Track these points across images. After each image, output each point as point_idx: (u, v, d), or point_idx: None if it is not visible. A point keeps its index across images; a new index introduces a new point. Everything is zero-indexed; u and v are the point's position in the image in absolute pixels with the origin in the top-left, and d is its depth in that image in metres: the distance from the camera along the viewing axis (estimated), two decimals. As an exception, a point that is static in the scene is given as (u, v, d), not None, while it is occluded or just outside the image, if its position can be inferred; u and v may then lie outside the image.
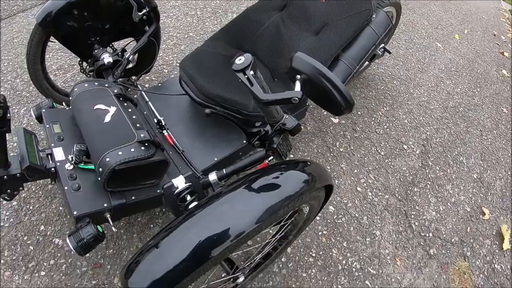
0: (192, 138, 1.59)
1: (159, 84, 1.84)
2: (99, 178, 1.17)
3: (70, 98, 1.38)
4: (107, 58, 1.61)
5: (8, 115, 1.02)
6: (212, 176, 1.23)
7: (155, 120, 1.59)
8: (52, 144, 1.28)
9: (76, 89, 1.38)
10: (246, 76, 0.92)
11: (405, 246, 1.81)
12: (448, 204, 2.01)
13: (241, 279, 1.32)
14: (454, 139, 2.35)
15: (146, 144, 1.22)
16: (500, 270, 1.83)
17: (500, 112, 2.72)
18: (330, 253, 1.71)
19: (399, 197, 1.97)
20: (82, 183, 1.21)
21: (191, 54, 1.65)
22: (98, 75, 1.66)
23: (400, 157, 2.16)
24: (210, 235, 0.87)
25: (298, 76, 0.92)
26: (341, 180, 1.96)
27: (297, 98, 0.88)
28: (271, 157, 1.26)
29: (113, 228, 1.35)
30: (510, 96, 2.93)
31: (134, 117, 1.33)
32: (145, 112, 1.67)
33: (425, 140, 2.29)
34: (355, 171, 2.03)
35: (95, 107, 1.30)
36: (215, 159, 1.52)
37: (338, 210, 1.85)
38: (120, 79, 1.65)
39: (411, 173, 2.10)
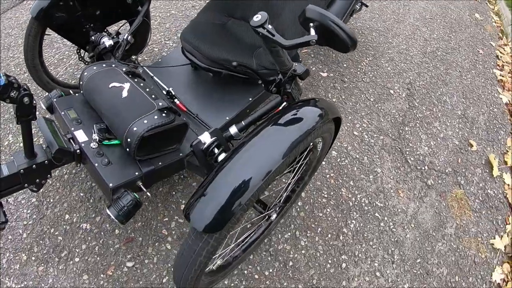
0: (201, 102, 1.61)
1: (159, 60, 1.83)
2: (128, 149, 1.19)
3: (81, 82, 1.36)
4: (107, 41, 1.60)
5: (34, 102, 1.02)
6: (233, 129, 1.29)
7: (164, 92, 1.59)
8: (72, 128, 1.28)
9: (86, 73, 1.37)
10: (265, 30, 1.01)
11: (405, 180, 1.89)
12: (438, 139, 2.10)
13: (273, 216, 1.41)
14: (436, 81, 2.44)
15: (165, 111, 1.24)
16: (493, 195, 1.95)
17: (476, 53, 2.83)
18: (340, 193, 1.76)
19: (393, 136, 2.04)
20: (111, 158, 1.23)
21: (189, 26, 1.65)
22: (99, 59, 1.63)
23: (389, 101, 2.22)
24: (246, 175, 0.96)
25: (311, 24, 1.02)
26: (341, 140, 2.01)
27: (314, 40, 1.00)
28: (285, 103, 1.32)
29: (148, 193, 1.36)
30: (484, 37, 3.06)
31: (147, 89, 1.34)
32: (151, 87, 1.65)
33: (409, 84, 2.36)
34: (350, 117, 2.07)
35: (110, 85, 1.29)
36: (227, 118, 1.55)
37: (340, 154, 1.89)
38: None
39: (401, 115, 2.17)
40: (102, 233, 1.47)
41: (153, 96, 1.31)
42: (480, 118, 2.31)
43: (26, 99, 0.97)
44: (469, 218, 1.83)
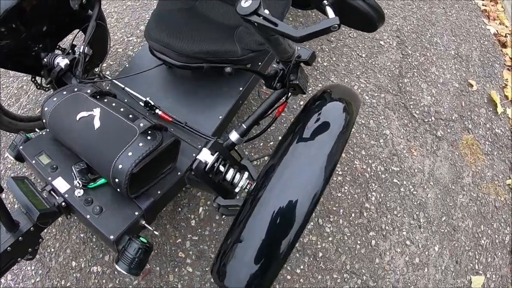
0: (187, 106, 1.36)
1: (127, 65, 1.52)
2: (118, 189, 1.01)
3: (44, 120, 1.14)
4: (62, 61, 1.31)
5: None
6: (233, 135, 1.09)
7: (142, 104, 1.32)
8: (49, 178, 1.08)
9: (46, 108, 1.13)
10: (261, 17, 0.75)
11: (415, 136, 1.75)
12: (438, 85, 1.95)
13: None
14: (423, 23, 2.23)
15: (150, 132, 1.03)
16: (501, 133, 1.85)
17: (455, -14, 2.63)
18: (354, 166, 1.60)
19: (394, 92, 1.87)
20: (102, 203, 1.05)
21: (151, 20, 1.34)
22: (58, 83, 1.35)
23: (381, 53, 2.02)
24: (287, 211, 0.76)
25: (326, 2, 0.78)
26: (335, 92, 1.82)
27: (336, 25, 0.73)
28: (289, 94, 1.09)
29: (155, 232, 1.16)
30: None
31: (122, 109, 1.12)
32: (125, 100, 1.39)
33: (397, 31, 2.16)
34: (346, 80, 1.87)
35: (78, 117, 1.07)
36: (220, 117, 1.32)
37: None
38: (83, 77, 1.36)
39: (396, 66, 1.98)
40: (115, 272, 1.28)
41: (130, 116, 1.09)
42: (474, 54, 2.15)
43: None
44: (483, 163, 1.74)
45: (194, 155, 1.23)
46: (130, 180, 0.97)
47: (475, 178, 1.68)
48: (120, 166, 0.96)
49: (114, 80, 1.38)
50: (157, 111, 1.29)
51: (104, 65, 1.79)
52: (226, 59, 1.25)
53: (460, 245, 1.51)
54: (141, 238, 0.99)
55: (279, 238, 0.76)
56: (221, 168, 0.99)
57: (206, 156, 0.99)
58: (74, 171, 1.07)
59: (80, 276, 1.27)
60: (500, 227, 1.59)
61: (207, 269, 1.35)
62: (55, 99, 1.13)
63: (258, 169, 1.04)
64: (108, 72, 1.82)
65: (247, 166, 1.09)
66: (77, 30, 1.47)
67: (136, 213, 1.03)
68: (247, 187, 1.03)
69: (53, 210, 0.99)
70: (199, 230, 1.41)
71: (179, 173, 1.16)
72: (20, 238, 0.92)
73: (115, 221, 1.01)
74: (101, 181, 1.08)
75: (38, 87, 1.46)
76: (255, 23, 0.76)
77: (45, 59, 1.37)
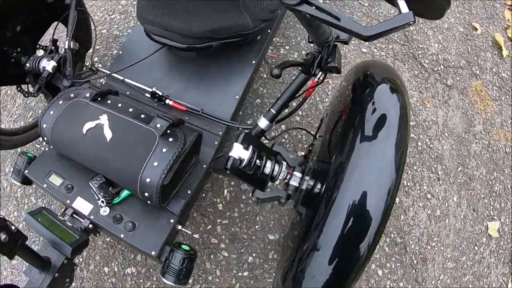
0: (198, 90, 1.18)
1: (120, 52, 1.29)
2: (149, 202, 0.89)
3: (45, 138, 0.97)
4: (49, 64, 1.10)
5: (14, 228, 0.68)
6: (263, 122, 0.95)
7: (148, 96, 1.13)
8: (68, 201, 0.95)
9: (45, 125, 0.95)
10: (313, 7, 0.60)
11: (427, 87, 1.67)
12: (444, 31, 1.83)
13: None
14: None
15: (169, 131, 0.90)
16: (507, 77, 1.80)
17: None
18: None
19: (401, 42, 1.74)
20: (132, 217, 0.93)
21: (143, 1, 1.10)
22: (48, 88, 1.15)
23: (383, 1, 1.86)
24: (364, 212, 0.67)
25: None
26: (344, 48, 1.67)
27: (411, 22, 0.59)
28: (320, 74, 0.92)
29: (195, 235, 1.04)
30: None
31: (131, 110, 0.96)
32: (127, 92, 1.19)
33: (397, -28, 1.97)
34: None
35: (85, 130, 0.91)
36: (236, 97, 1.15)
37: (357, 80, 1.60)
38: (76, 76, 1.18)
39: (400, 13, 1.84)
40: (151, 270, 1.18)
41: (142, 116, 0.94)
42: (474, -8, 2.03)
43: (3, 237, 0.64)
44: (492, 109, 1.71)
45: (216, 143, 1.10)
46: (162, 192, 0.84)
47: (485, 125, 1.66)
48: (148, 180, 0.84)
49: (113, 74, 1.16)
50: (167, 101, 1.11)
51: (90, 51, 1.54)
52: (237, 34, 1.08)
53: (476, 194, 1.53)
54: (183, 246, 0.91)
55: (358, 240, 0.68)
56: (258, 162, 0.88)
57: (239, 152, 0.86)
58: (93, 188, 0.92)
59: (115, 281, 1.17)
60: (510, 173, 1.61)
61: (242, 250, 1.29)
62: (51, 112, 0.94)
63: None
64: (96, 59, 1.57)
65: (280, 152, 0.98)
66: (56, 22, 1.22)
67: (172, 221, 0.93)
68: (287, 178, 0.93)
69: (84, 239, 0.86)
70: (228, 213, 1.32)
71: (204, 166, 1.03)
72: (56, 274, 0.81)
73: (152, 235, 0.90)
74: (125, 193, 0.94)
75: (26, 95, 1.24)
76: (308, 15, 0.60)
77: (27, 64, 1.15)
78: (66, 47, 1.14)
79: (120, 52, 1.28)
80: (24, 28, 1.12)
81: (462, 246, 1.44)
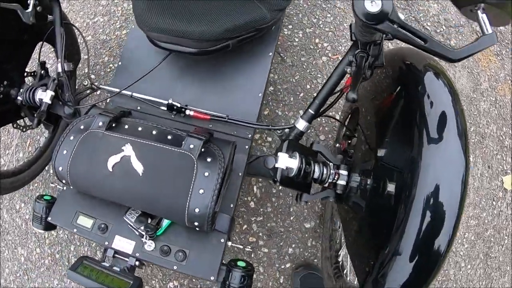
0: (217, 93, 1.07)
1: (120, 63, 1.14)
2: (198, 229, 0.82)
3: (63, 181, 0.86)
4: (46, 96, 0.99)
5: None
6: (301, 124, 0.89)
7: (164, 109, 1.01)
8: (106, 243, 0.86)
9: (61, 168, 0.84)
10: (395, 26, 0.56)
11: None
12: (441, -11, 1.76)
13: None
14: None
15: (204, 150, 0.81)
16: (505, 29, 1.75)
17: None
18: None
19: (402, 6, 1.65)
20: (181, 246, 0.86)
21: (138, 1, 0.95)
22: (50, 119, 1.07)
23: (377, -38, 1.74)
24: (441, 205, 0.63)
25: (477, 7, 0.57)
26: (347, 20, 1.57)
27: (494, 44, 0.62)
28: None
29: (247, 248, 0.98)
30: None
31: (154, 132, 0.86)
32: (138, 107, 1.07)
33: None
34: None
35: (110, 167, 0.80)
36: (260, 94, 1.06)
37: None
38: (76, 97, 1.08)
39: (396, -25, 1.74)
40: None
41: (169, 137, 0.84)
42: None
43: None
44: (495, 64, 1.68)
45: (246, 147, 1.02)
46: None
47: (491, 81, 1.64)
48: (197, 210, 0.77)
49: (127, 92, 1.03)
50: (188, 112, 1.00)
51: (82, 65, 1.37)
52: (255, 28, 0.97)
53: (489, 151, 1.54)
54: (239, 264, 0.85)
55: (438, 236, 0.65)
56: (307, 168, 0.83)
57: (286, 162, 0.82)
58: (131, 223, 0.84)
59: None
60: (515, 124, 1.63)
61: (281, 244, 1.26)
62: (64, 152, 0.82)
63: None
64: (86, 70, 1.41)
65: (320, 150, 0.92)
66: (41, 42, 1.07)
67: (222, 240, 0.87)
68: (335, 178, 0.88)
69: (138, 283, 0.78)
70: (261, 210, 1.28)
71: (240, 174, 0.96)
72: None
73: (206, 259, 0.84)
74: (167, 222, 0.86)
75: (24, 129, 1.11)
76: (388, 33, 0.56)
77: (19, 97, 1.01)
78: (59, 70, 1.00)
79: (120, 63, 1.13)
80: (5, 57, 0.97)
81: (482, 203, 1.47)
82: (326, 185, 0.90)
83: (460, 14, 0.64)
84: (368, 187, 0.79)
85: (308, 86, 1.39)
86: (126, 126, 0.87)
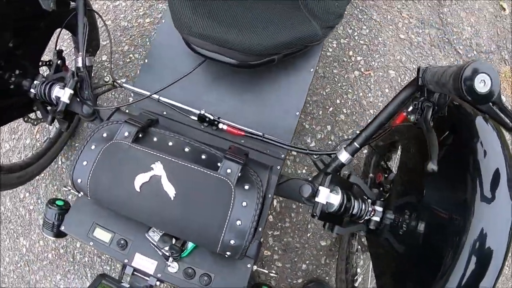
0: (252, 108, 0.98)
1: (146, 61, 1.02)
2: (228, 256, 0.74)
3: (81, 193, 0.78)
4: (64, 94, 0.87)
5: None
6: (343, 156, 0.81)
7: (194, 118, 0.91)
8: (126, 260, 0.77)
9: (80, 180, 0.74)
10: (495, 107, 0.52)
11: (461, 76, 1.57)
12: (475, 12, 1.68)
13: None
14: None
15: (241, 174, 0.72)
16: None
17: None
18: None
19: (436, 25, 1.58)
20: (206, 269, 0.78)
21: (185, 5, 0.82)
22: (65, 116, 0.93)
23: (415, -23, 1.65)
24: (490, 251, 0.59)
25: None
26: (382, 34, 1.49)
27: None
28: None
29: (272, 273, 0.91)
30: None
31: (187, 149, 0.77)
32: (164, 112, 0.97)
33: None
34: (389, 16, 1.52)
35: (138, 186, 0.71)
36: (297, 113, 0.97)
37: (398, 71, 1.44)
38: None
39: (433, -8, 1.66)
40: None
41: (203, 157, 0.76)
42: (500, -33, 1.86)
43: None
44: (519, 95, 1.65)
45: (278, 167, 0.93)
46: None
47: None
48: (232, 242, 0.70)
49: (154, 96, 0.93)
50: (220, 126, 0.91)
51: (102, 58, 1.26)
52: (310, 41, 0.88)
53: None
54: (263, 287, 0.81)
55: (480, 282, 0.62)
56: (347, 204, 0.77)
57: (328, 198, 0.76)
58: (154, 242, 0.77)
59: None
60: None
61: (295, 259, 1.21)
62: (84, 163, 0.73)
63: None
64: (105, 57, 1.30)
65: (358, 184, 0.86)
66: (59, 29, 0.95)
67: (249, 265, 0.81)
68: (371, 215, 0.83)
69: None
70: (279, 224, 1.22)
71: (269, 196, 0.87)
72: None
73: (231, 284, 0.78)
74: (191, 246, 0.79)
75: (36, 123, 1.00)
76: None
77: (32, 90, 0.89)
78: (79, 65, 0.89)
79: (146, 61, 1.02)
80: (19, 44, 0.85)
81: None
82: (361, 221, 0.85)
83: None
84: (407, 226, 0.75)
85: (338, 101, 1.32)
86: (155, 139, 0.78)
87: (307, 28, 0.84)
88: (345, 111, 1.33)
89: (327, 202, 0.77)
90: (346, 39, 1.39)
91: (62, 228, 0.82)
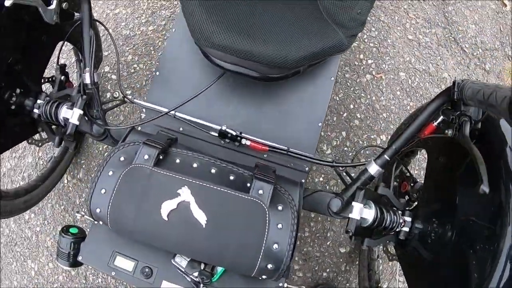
0: (273, 121, 0.93)
1: (157, 74, 0.95)
2: (264, 278, 0.70)
3: (100, 223, 0.72)
4: (73, 115, 0.83)
5: None
6: (373, 168, 0.77)
7: (214, 134, 0.86)
8: None
9: (98, 210, 0.67)
10: None
11: (468, 74, 1.53)
12: (478, 9, 1.65)
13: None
14: None
15: (272, 193, 0.67)
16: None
17: None
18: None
19: (443, 25, 1.55)
20: None
21: (198, 9, 0.76)
22: (73, 136, 0.84)
23: (418, -25, 1.62)
24: None
25: None
26: (391, 36, 1.45)
27: None
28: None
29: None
30: None
31: (213, 170, 0.71)
32: (180, 128, 0.91)
33: None
34: (396, 17, 1.48)
35: (165, 215, 0.65)
36: (319, 124, 0.93)
37: (408, 73, 1.41)
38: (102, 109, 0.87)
39: (436, -10, 1.63)
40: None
41: (231, 177, 0.71)
42: (499, -37, 1.84)
43: None
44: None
45: (303, 180, 0.90)
46: None
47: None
48: (269, 266, 0.65)
49: (173, 113, 0.87)
50: (243, 141, 0.86)
51: (105, 70, 1.19)
52: (329, 55, 0.83)
53: None
54: None
55: None
56: (381, 218, 0.76)
57: (362, 213, 0.74)
58: (181, 269, 0.71)
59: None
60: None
61: (316, 268, 1.17)
62: (103, 191, 0.66)
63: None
64: (107, 68, 1.23)
65: (387, 195, 0.83)
66: (61, 42, 0.87)
67: (280, 284, 0.76)
68: (401, 226, 0.80)
69: None
70: (298, 234, 1.18)
71: (301, 213, 0.84)
72: None
73: None
74: (220, 270, 0.74)
75: (41, 144, 0.94)
76: None
77: (35, 110, 0.82)
78: (87, 81, 0.81)
79: (157, 74, 0.95)
80: (18, 60, 0.77)
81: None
82: (392, 232, 0.82)
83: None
84: (437, 235, 0.73)
85: (352, 106, 1.28)
86: (178, 161, 0.72)
87: (334, 38, 0.79)
88: (359, 116, 1.29)
89: (361, 218, 0.74)
90: (356, 42, 1.35)
91: (80, 258, 0.75)
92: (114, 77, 1.33)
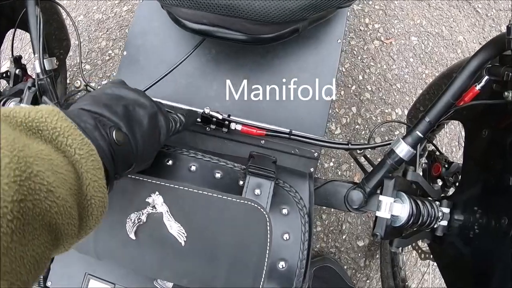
0: (274, 98, 0.70)
1: (124, 53, 0.74)
2: None
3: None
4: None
5: None
6: (402, 149, 0.54)
7: (197, 119, 0.63)
8: None
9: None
10: None
11: (484, 37, 1.29)
12: (489, -36, 1.43)
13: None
14: None
15: (273, 192, 0.47)
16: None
17: None
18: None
19: (452, -17, 1.33)
20: None
21: None
22: None
23: None
24: None
25: None
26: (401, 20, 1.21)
27: None
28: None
29: None
30: None
31: (193, 167, 0.50)
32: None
33: None
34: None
35: (131, 232, 0.44)
36: (328, 98, 0.71)
37: (420, 37, 1.16)
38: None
39: None
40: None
41: (218, 174, 0.49)
42: None
43: None
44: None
45: (312, 169, 0.69)
46: None
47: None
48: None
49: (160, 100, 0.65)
50: (233, 126, 0.64)
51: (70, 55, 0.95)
52: (336, 6, 0.60)
53: None
54: None
55: None
56: (417, 213, 0.54)
57: (393, 209, 0.52)
58: None
59: None
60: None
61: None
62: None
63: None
64: (78, 59, 1.00)
65: (418, 182, 0.60)
66: (12, 29, 0.71)
67: None
68: (439, 220, 0.59)
69: None
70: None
71: (313, 214, 0.63)
72: None
73: None
74: None
75: None
76: None
77: None
78: (38, 70, 0.61)
79: (125, 53, 0.73)
80: None
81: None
82: (428, 228, 0.61)
83: None
84: (483, 227, 0.54)
85: (361, 77, 1.05)
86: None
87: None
88: (369, 88, 1.07)
89: (391, 216, 0.52)
90: (360, 5, 1.12)
91: (49, 284, 0.56)
92: (88, 67, 1.11)
